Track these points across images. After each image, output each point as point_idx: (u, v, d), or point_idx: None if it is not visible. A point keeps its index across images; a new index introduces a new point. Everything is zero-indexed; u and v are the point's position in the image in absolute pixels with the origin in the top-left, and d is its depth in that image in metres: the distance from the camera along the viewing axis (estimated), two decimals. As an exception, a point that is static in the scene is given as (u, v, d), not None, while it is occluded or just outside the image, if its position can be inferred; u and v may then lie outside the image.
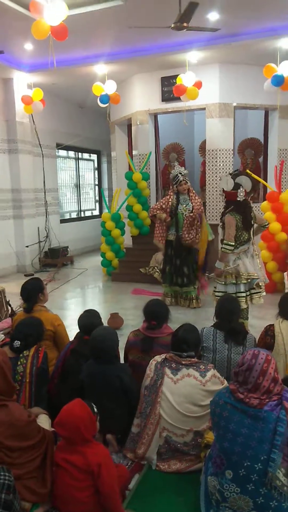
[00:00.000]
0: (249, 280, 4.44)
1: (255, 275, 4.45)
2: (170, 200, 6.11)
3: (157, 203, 6.28)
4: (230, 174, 4.58)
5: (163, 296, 6.30)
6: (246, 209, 4.49)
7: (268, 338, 3.14)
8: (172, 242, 6.14)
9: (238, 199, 4.42)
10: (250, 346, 3.10)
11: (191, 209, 6.02)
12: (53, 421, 2.23)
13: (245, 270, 4.42)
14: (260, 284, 4.53)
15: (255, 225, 4.61)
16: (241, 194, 4.42)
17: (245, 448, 1.96)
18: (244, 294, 4.45)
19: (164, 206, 6.11)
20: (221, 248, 4.43)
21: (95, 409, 2.24)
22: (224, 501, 2.04)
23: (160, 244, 6.26)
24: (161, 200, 6.25)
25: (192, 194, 6.14)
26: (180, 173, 6.02)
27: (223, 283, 4.51)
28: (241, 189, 4.42)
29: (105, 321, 3.85)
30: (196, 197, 6.16)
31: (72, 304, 6.78)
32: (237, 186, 4.43)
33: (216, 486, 2.06)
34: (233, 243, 4.36)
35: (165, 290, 6.35)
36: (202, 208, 6.15)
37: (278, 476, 1.92)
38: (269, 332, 3.16)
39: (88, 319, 3.23)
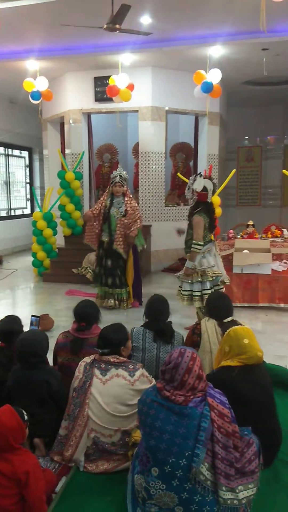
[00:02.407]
0: (214, 278, 4.68)
1: (219, 273, 4.72)
2: (103, 200, 6.08)
3: (96, 205, 6.23)
4: (201, 175, 4.78)
5: (97, 298, 6.19)
6: (211, 211, 4.81)
7: (195, 336, 3.25)
8: (104, 243, 6.08)
9: (208, 200, 4.72)
10: (178, 345, 3.19)
11: (123, 212, 5.98)
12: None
13: (210, 269, 4.68)
14: (225, 282, 4.82)
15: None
16: (210, 195, 4.72)
17: (170, 444, 2.00)
18: (209, 292, 4.64)
19: (97, 211, 6.07)
20: (191, 247, 4.64)
21: (26, 416, 2.18)
22: (150, 498, 2.07)
23: (92, 244, 6.22)
24: (98, 202, 6.21)
25: (128, 198, 6.08)
26: (120, 175, 5.97)
27: (189, 281, 4.71)
28: (209, 191, 4.70)
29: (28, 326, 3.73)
30: (132, 202, 6.10)
31: (1, 306, 6.55)
32: (205, 188, 4.70)
33: (142, 484, 2.08)
34: (202, 243, 4.62)
35: (98, 291, 6.24)
36: (138, 214, 6.07)
37: (202, 471, 1.98)
38: (195, 331, 3.26)
39: (7, 325, 3.11)
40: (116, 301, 6.14)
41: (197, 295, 4.68)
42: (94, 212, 6.13)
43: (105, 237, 6.06)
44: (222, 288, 4.78)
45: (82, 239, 6.58)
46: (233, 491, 2.03)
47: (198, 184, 4.68)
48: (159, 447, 2.02)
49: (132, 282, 6.18)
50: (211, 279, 4.66)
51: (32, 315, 3.83)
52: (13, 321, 3.19)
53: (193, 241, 4.63)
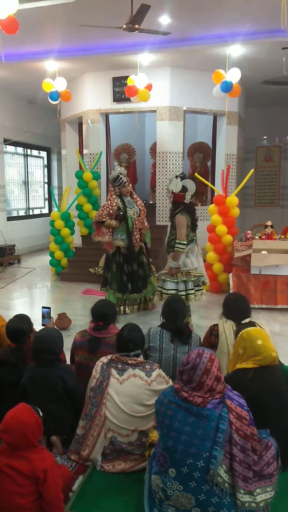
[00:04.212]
0: (196, 278, 4.77)
1: (201, 273, 4.83)
2: (115, 204, 5.66)
3: (102, 208, 5.74)
4: (178, 176, 4.81)
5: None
6: (192, 211, 4.88)
7: (212, 337, 3.22)
8: (121, 249, 5.73)
9: (185, 201, 4.79)
10: (195, 345, 3.17)
11: (138, 212, 5.76)
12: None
13: (194, 268, 4.75)
14: (206, 282, 4.97)
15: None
16: (188, 197, 4.79)
17: (188, 446, 2.00)
18: (193, 291, 4.75)
19: (111, 212, 5.63)
20: (175, 247, 4.68)
21: (40, 413, 2.20)
22: (167, 499, 2.06)
23: (106, 238, 5.70)
24: (105, 205, 5.73)
25: (135, 196, 5.86)
26: (121, 174, 5.67)
27: (175, 281, 4.75)
28: (188, 192, 4.77)
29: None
30: (139, 199, 5.91)
31: (18, 304, 6.62)
32: (184, 189, 4.76)
33: (160, 484, 2.08)
34: (186, 242, 4.68)
35: (110, 297, 5.79)
36: (144, 210, 5.89)
37: (219, 473, 1.97)
38: (213, 332, 3.24)
39: (16, 325, 3.09)
40: (135, 306, 5.89)
41: (182, 295, 4.72)
42: (105, 215, 5.67)
43: (121, 242, 5.71)
44: (203, 288, 4.88)
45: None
46: (251, 494, 2.02)
47: (174, 185, 4.74)
48: (177, 448, 2.01)
49: None
50: (194, 279, 4.75)
51: (43, 307, 3.63)
52: (22, 320, 3.16)
53: (177, 241, 4.67)
